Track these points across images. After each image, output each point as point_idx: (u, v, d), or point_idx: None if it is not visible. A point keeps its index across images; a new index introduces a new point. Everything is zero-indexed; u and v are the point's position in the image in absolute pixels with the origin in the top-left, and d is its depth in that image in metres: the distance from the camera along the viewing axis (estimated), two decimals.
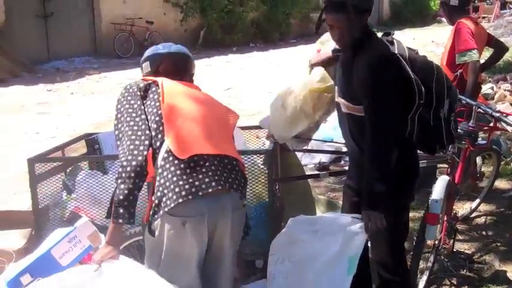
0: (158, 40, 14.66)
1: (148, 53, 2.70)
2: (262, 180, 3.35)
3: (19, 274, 2.38)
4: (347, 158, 5.51)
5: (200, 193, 2.29)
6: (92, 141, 3.88)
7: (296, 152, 3.84)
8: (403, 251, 3.00)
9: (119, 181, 2.30)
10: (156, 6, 16.80)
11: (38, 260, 2.46)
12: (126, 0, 16.14)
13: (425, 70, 2.72)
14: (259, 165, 3.44)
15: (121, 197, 2.28)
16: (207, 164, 2.35)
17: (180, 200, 2.26)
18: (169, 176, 2.31)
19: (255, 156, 3.40)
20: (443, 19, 5.41)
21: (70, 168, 3.64)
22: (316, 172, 5.51)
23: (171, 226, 2.30)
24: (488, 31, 5.39)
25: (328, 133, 5.46)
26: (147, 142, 2.35)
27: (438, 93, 2.74)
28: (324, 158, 6.08)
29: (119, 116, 2.46)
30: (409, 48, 2.76)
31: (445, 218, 3.82)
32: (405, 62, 2.64)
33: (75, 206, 3.36)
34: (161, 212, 2.29)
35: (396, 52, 2.66)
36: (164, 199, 2.29)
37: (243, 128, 4.13)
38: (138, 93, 2.47)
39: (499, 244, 4.35)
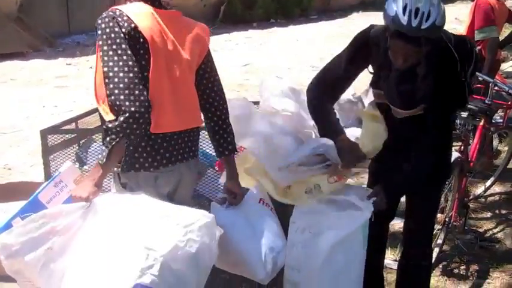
0: None
1: None
2: None
3: (10, 219, 2.39)
4: None
5: (170, 165, 2.40)
6: None
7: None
8: (432, 235, 3.01)
9: (124, 125, 2.16)
10: None
11: (27, 205, 2.46)
12: None
13: (461, 47, 2.64)
14: None
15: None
16: (175, 137, 2.42)
17: (148, 166, 2.36)
18: (139, 139, 2.31)
19: None
20: None
21: (83, 141, 3.67)
22: None
23: (144, 181, 2.38)
24: (510, 8, 5.30)
25: None
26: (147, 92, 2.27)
27: (469, 63, 2.68)
28: None
29: (107, 49, 2.21)
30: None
31: (456, 196, 3.80)
32: (451, 46, 2.59)
33: None
34: (132, 170, 2.36)
35: (446, 41, 2.58)
36: (133, 161, 2.34)
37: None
38: (127, 37, 2.24)
39: (511, 222, 4.32)
